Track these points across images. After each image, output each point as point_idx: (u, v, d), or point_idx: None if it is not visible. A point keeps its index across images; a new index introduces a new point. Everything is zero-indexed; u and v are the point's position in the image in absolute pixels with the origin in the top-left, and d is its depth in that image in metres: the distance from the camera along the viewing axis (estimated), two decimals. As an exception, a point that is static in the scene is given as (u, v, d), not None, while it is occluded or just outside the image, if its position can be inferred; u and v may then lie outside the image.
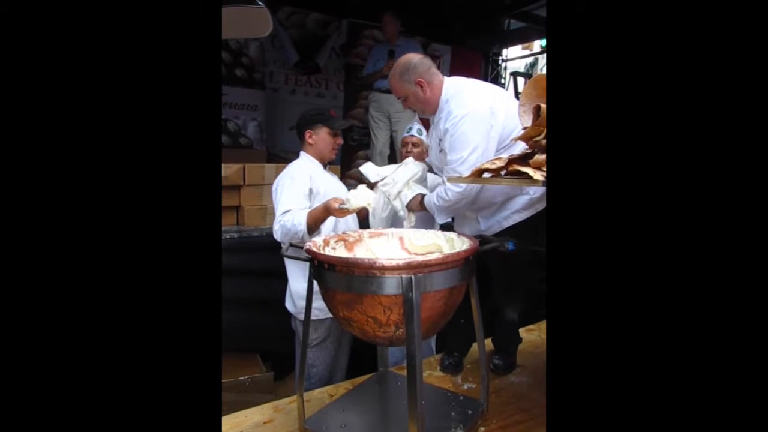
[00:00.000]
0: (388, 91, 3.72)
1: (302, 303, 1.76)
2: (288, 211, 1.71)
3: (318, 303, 1.38)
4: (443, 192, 1.63)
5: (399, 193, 1.88)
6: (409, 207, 1.85)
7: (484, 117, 1.53)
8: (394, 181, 1.88)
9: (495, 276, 1.74)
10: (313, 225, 1.67)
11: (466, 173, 1.43)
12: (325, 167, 1.96)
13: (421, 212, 1.86)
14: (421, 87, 1.64)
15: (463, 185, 1.55)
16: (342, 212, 1.57)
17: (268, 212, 2.73)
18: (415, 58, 1.67)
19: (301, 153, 1.95)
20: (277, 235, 1.73)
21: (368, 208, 1.55)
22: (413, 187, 1.88)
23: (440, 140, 1.64)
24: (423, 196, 1.82)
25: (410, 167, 1.93)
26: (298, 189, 1.79)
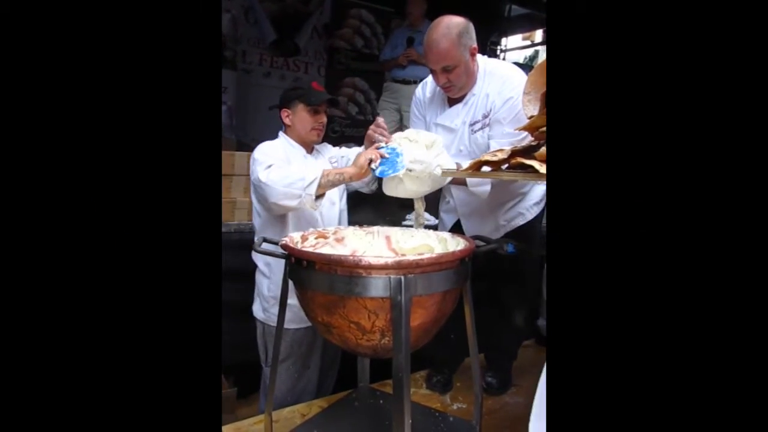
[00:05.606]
0: (405, 82, 3.51)
1: (273, 309, 1.73)
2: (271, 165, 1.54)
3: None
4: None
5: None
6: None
7: None
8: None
9: (504, 277, 1.74)
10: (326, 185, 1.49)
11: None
12: (310, 152, 1.80)
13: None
14: (472, 56, 1.56)
15: None
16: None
17: (237, 206, 2.67)
18: (463, 20, 1.52)
19: (280, 133, 1.81)
20: (269, 190, 1.50)
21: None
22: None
23: (485, 116, 1.58)
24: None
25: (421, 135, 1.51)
26: (274, 159, 1.60)
